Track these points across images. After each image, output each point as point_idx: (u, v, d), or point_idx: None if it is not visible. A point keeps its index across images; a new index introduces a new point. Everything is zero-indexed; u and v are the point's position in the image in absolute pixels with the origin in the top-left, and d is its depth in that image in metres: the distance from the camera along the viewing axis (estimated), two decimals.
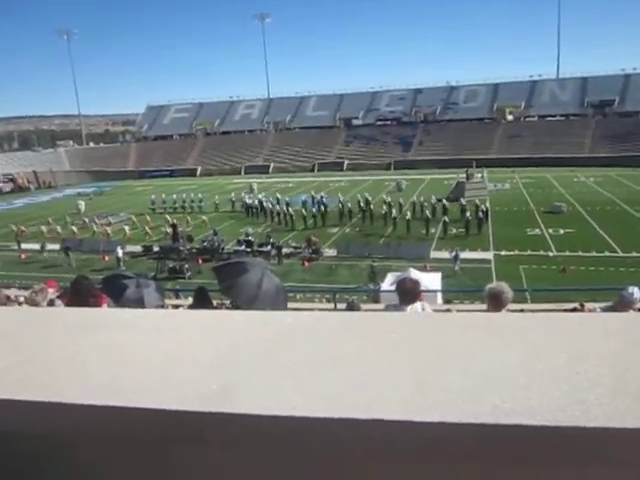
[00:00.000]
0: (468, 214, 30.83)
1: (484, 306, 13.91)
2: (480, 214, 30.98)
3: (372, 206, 34.88)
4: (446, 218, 30.96)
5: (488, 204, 34.96)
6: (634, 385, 0.89)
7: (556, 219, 32.02)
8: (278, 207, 36.59)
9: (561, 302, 12.08)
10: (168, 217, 36.59)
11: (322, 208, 35.19)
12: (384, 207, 33.99)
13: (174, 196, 44.87)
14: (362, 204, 35.43)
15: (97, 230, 35.99)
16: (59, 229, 36.47)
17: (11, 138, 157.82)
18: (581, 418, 0.81)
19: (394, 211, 32.74)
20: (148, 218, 37.61)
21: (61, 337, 1.47)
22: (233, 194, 43.33)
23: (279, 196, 40.22)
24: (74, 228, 35.91)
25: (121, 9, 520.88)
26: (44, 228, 36.26)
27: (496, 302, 4.19)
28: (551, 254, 25.10)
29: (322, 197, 38.03)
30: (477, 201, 33.13)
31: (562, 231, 29.14)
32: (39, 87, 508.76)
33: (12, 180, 68.70)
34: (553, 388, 0.89)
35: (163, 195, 45.70)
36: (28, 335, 1.51)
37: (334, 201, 36.89)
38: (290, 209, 35.00)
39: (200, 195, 43.83)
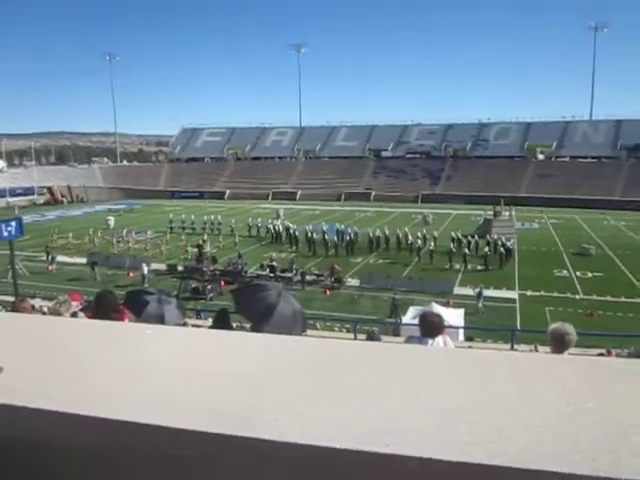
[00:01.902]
0: (487, 249, 30.88)
1: (507, 346, 13.57)
2: (501, 250, 30.69)
3: (400, 236, 34.82)
4: (467, 250, 31.11)
5: (515, 243, 34.56)
6: None
7: (584, 261, 31.39)
8: (304, 233, 36.63)
9: (587, 347, 11.77)
10: (205, 237, 37.24)
11: (346, 237, 35.26)
12: (409, 238, 33.94)
13: (192, 217, 45.62)
14: (387, 235, 35.44)
15: (132, 246, 36.91)
16: (96, 241, 37.87)
17: (49, 152, 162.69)
18: (611, 469, 0.77)
19: (419, 242, 32.68)
20: (183, 237, 38.63)
21: (82, 349, 1.48)
22: (250, 219, 43.54)
23: (290, 224, 40.07)
24: (114, 240, 37.15)
25: (160, 33, 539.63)
26: (78, 240, 37.71)
27: (559, 343, 4.03)
28: (578, 297, 24.53)
29: (343, 227, 38.07)
30: (503, 238, 32.74)
31: (590, 274, 28.51)
32: (81, 105, 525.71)
33: (50, 191, 70.28)
34: (582, 434, 0.85)
35: (182, 215, 46.58)
36: (50, 345, 1.52)
37: (347, 231, 36.56)
38: (315, 235, 35.20)
39: (220, 218, 44.29)
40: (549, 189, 64.52)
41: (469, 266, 30.08)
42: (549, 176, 68.33)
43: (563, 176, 67.29)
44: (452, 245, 31.68)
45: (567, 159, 74.91)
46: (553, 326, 4.24)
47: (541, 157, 75.85)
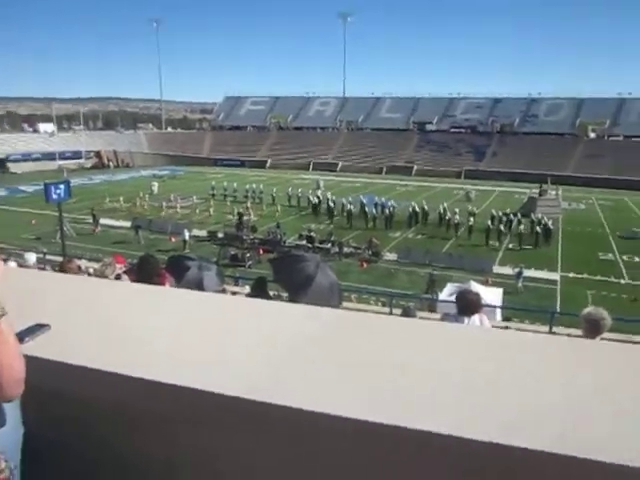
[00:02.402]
0: (521, 227, 30.20)
1: (545, 328, 13.33)
2: (538, 229, 29.97)
3: (441, 212, 34.30)
4: (502, 228, 30.67)
5: (557, 223, 33.66)
6: None
7: (632, 245, 30.25)
8: (342, 205, 36.48)
9: (630, 334, 11.43)
10: (248, 204, 37.94)
11: (385, 211, 34.98)
12: (448, 214, 33.48)
13: (234, 185, 46.07)
14: (426, 210, 35.01)
15: (179, 211, 38.05)
16: (146, 206, 39.36)
17: (96, 117, 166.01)
18: None
19: (458, 219, 32.22)
20: (228, 203, 39.99)
21: (125, 311, 1.52)
22: (291, 189, 43.69)
23: (329, 196, 39.51)
24: (164, 204, 38.69)
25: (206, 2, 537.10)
26: (128, 204, 39.48)
27: (594, 328, 3.91)
28: (623, 282, 23.77)
29: (383, 200, 37.81)
30: (545, 218, 31.87)
31: (637, 259, 27.57)
32: (129, 72, 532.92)
33: (97, 155, 72.34)
34: (629, 423, 0.82)
35: (224, 183, 47.11)
36: (95, 306, 1.57)
37: (387, 204, 36.05)
38: (352, 208, 35.06)
39: (261, 186, 44.59)
40: (599, 169, 62.04)
41: (510, 245, 29.51)
42: (600, 156, 65.57)
43: (615, 156, 64.47)
44: (490, 223, 31.14)
45: (620, 138, 71.75)
46: (587, 310, 4.12)
47: (593, 136, 72.78)
